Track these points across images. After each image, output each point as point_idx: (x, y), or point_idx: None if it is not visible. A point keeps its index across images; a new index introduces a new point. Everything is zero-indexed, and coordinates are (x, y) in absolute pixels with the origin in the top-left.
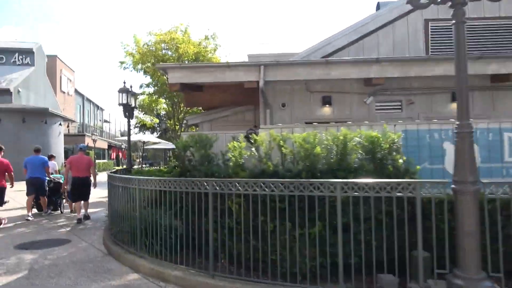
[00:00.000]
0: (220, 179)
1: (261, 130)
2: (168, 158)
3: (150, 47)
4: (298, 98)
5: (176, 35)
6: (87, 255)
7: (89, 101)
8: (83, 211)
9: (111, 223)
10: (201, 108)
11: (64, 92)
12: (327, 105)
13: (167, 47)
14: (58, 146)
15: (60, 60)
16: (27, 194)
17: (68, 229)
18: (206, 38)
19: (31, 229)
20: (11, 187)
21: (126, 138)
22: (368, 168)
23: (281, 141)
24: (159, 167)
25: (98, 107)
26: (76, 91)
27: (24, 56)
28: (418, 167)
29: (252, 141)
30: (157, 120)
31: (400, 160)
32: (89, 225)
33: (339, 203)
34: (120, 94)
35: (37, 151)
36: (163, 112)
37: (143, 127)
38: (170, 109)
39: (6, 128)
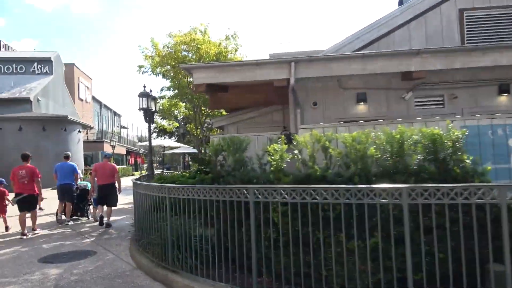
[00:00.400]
0: (261, 186)
1: (301, 131)
2: (186, 163)
3: (170, 49)
4: (331, 96)
5: (196, 36)
6: (114, 269)
7: (107, 107)
8: (106, 218)
9: (138, 234)
10: (223, 110)
11: (82, 100)
12: (361, 103)
13: (187, 48)
14: (77, 153)
15: (78, 68)
16: (59, 199)
17: (92, 239)
18: (227, 38)
19: (55, 239)
20: (40, 199)
21: (144, 143)
22: (431, 170)
23: (326, 142)
24: (180, 171)
25: (115, 113)
26: (93, 98)
27: (42, 65)
28: (488, 167)
29: (294, 143)
30: (177, 124)
31: (468, 160)
32: (113, 234)
33: (406, 212)
34: (140, 98)
35: (66, 157)
36: (181, 117)
37: (161, 131)
38: (191, 112)
39: (26, 136)
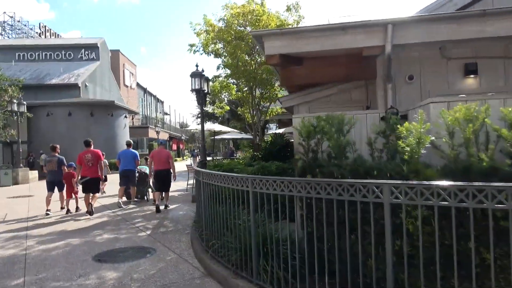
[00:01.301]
0: (403, 182)
1: (433, 106)
2: (230, 150)
3: (226, 22)
4: (430, 67)
5: (256, 7)
6: (181, 274)
7: (150, 94)
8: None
9: (206, 232)
10: (278, 92)
11: (127, 86)
12: (471, 75)
13: (244, 22)
14: (124, 138)
15: (123, 54)
16: (120, 185)
17: (148, 232)
18: (288, 9)
19: (109, 231)
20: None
21: (192, 128)
22: None
23: (486, 119)
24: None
25: (158, 99)
26: (138, 84)
27: (89, 51)
28: None
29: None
30: (228, 108)
31: None
32: (170, 227)
33: None
34: (193, 79)
35: (128, 145)
36: (226, 100)
37: (206, 116)
38: (245, 94)
39: (76, 121)
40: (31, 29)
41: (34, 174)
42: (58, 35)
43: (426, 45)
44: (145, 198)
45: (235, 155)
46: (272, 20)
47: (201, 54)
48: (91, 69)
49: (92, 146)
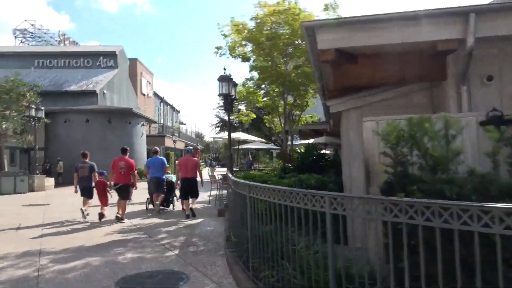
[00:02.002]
0: None
1: None
2: (249, 160)
3: (260, 22)
4: None
5: (291, 5)
6: None
7: (166, 103)
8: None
9: (253, 258)
10: (316, 96)
11: (144, 94)
12: None
13: (279, 20)
14: (141, 147)
15: (141, 63)
16: (149, 192)
17: (176, 251)
18: (326, 8)
19: (132, 248)
20: (135, 189)
21: (214, 137)
22: None
23: None
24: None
25: (174, 109)
26: (154, 93)
27: (108, 59)
28: None
29: None
30: (254, 116)
31: None
32: (200, 246)
33: None
34: (220, 83)
35: (155, 152)
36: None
37: (225, 125)
38: (277, 101)
39: (93, 128)
40: (51, 37)
41: (51, 181)
42: (77, 43)
43: (506, 40)
44: (171, 206)
45: (253, 166)
46: (309, 19)
47: (228, 57)
48: (109, 77)
49: (128, 155)
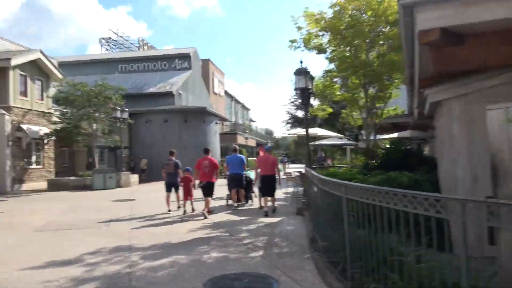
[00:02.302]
0: None
1: None
2: (320, 157)
3: (340, 9)
4: None
5: None
6: None
7: (237, 101)
8: (270, 203)
9: (352, 267)
10: (400, 87)
11: (216, 94)
12: None
13: (359, 7)
14: (215, 145)
15: (212, 63)
16: (230, 188)
17: (260, 252)
18: None
19: (215, 247)
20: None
21: (288, 133)
22: None
23: None
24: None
25: (244, 107)
26: (226, 92)
27: (182, 61)
28: None
29: None
30: (330, 110)
31: None
32: (284, 247)
33: None
34: (297, 77)
35: (234, 150)
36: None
37: (296, 122)
38: (357, 93)
39: (170, 127)
40: (132, 43)
41: (135, 178)
42: (154, 48)
43: None
44: (249, 202)
45: (326, 163)
46: (395, 3)
47: (302, 50)
48: (184, 78)
49: (210, 154)
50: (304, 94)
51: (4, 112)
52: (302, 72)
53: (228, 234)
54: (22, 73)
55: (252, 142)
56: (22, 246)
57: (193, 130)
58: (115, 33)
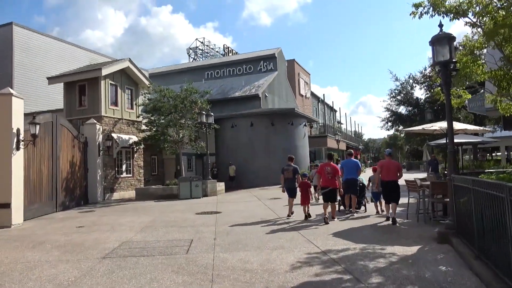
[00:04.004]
0: None
1: None
2: (434, 158)
3: None
4: None
5: None
6: None
7: (323, 103)
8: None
9: None
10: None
11: (302, 95)
12: None
13: None
14: (303, 148)
15: (298, 63)
16: (345, 193)
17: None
18: None
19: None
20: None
21: (410, 128)
22: None
23: None
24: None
25: (332, 108)
26: (312, 93)
27: (267, 62)
28: None
29: None
30: (469, 96)
31: None
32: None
33: None
34: (437, 46)
35: (350, 155)
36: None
37: (398, 118)
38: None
39: (256, 131)
40: (217, 52)
41: (221, 186)
42: (236, 52)
43: None
44: (362, 207)
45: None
46: None
47: (432, 16)
48: (269, 80)
49: (333, 160)
50: (446, 70)
51: (95, 121)
52: (444, 39)
53: (349, 276)
54: (112, 82)
55: (342, 145)
56: (73, 285)
57: (281, 134)
58: (201, 42)
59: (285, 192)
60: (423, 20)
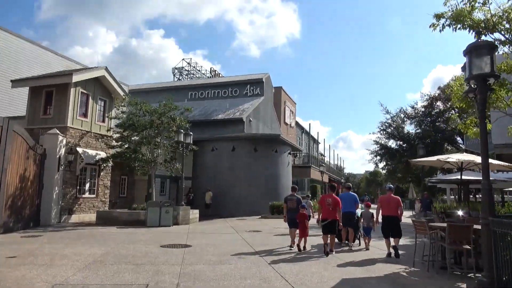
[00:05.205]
0: None
1: None
2: (427, 196)
3: None
4: None
5: None
6: None
7: (307, 133)
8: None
9: None
10: None
11: (287, 124)
12: None
13: None
14: (286, 177)
15: (284, 91)
16: (343, 225)
17: None
18: None
19: None
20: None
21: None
22: None
23: None
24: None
25: (315, 140)
26: (296, 123)
27: (254, 87)
28: None
29: None
30: (490, 126)
31: None
32: None
33: None
34: (471, 58)
35: (348, 188)
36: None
37: (388, 153)
38: None
39: (239, 157)
40: (204, 74)
41: (195, 213)
42: (219, 74)
43: None
44: (358, 240)
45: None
46: None
47: (455, 29)
48: (255, 104)
49: (335, 192)
50: (483, 85)
51: (57, 132)
52: (483, 48)
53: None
54: (84, 91)
55: (325, 178)
56: None
57: (264, 161)
58: (188, 63)
59: (287, 222)
60: (404, 64)
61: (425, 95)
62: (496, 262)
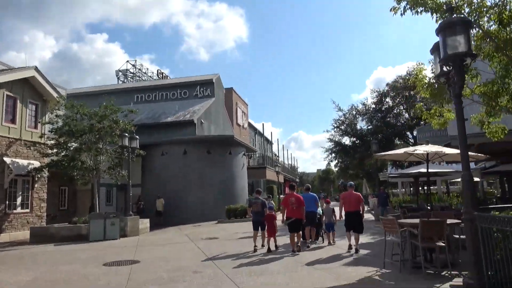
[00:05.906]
0: None
1: None
2: (384, 191)
3: None
4: None
5: None
6: None
7: (260, 134)
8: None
9: None
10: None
11: (239, 125)
12: None
13: None
14: (242, 179)
15: (236, 93)
16: (305, 225)
17: None
18: None
19: None
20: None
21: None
22: None
23: None
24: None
25: (268, 141)
26: (249, 124)
27: (205, 88)
28: None
29: None
30: (452, 117)
31: None
32: None
33: None
34: (443, 37)
35: (307, 189)
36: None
37: (343, 150)
38: None
39: (191, 161)
40: (150, 76)
41: (145, 223)
42: (167, 76)
43: None
44: (322, 238)
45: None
46: None
47: (417, 12)
48: (206, 106)
49: (295, 191)
50: (457, 65)
51: None
52: (457, 25)
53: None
54: (10, 94)
55: (281, 178)
56: None
57: (218, 163)
58: (133, 65)
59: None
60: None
61: (374, 92)
62: (485, 262)
